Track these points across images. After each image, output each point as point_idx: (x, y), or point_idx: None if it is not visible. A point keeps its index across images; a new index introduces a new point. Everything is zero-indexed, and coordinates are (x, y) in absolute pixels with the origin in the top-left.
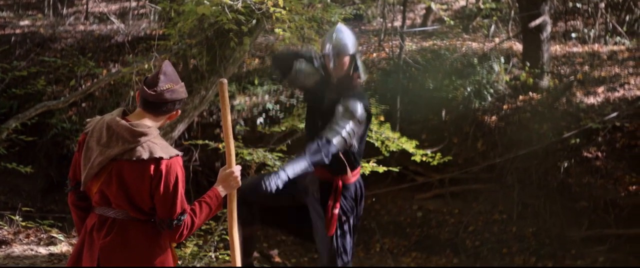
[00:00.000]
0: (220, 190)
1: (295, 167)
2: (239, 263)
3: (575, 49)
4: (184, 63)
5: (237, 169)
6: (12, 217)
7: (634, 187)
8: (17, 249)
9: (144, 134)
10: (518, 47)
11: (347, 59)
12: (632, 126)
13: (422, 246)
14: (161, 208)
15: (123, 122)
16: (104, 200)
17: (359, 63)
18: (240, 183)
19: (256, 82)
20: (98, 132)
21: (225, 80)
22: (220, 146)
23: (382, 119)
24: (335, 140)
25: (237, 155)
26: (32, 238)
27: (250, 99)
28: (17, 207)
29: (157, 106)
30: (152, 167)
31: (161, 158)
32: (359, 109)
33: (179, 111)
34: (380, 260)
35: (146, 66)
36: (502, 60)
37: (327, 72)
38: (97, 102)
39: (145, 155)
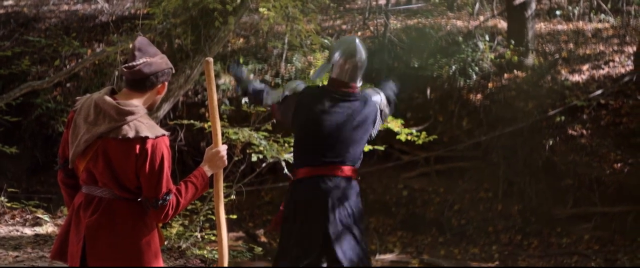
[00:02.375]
0: (207, 169)
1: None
2: (225, 245)
3: (559, 27)
4: (168, 42)
5: (223, 148)
6: None
7: (618, 165)
8: (2, 230)
9: (130, 113)
10: (503, 25)
11: (361, 72)
12: (617, 104)
13: (408, 225)
14: (147, 188)
15: (110, 100)
16: (90, 179)
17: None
18: (226, 162)
19: (241, 61)
20: (86, 110)
21: (211, 59)
22: (206, 126)
23: None
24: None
25: (222, 134)
26: (17, 219)
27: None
28: (2, 188)
29: (139, 83)
30: (138, 146)
31: (147, 137)
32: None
33: (165, 84)
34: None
35: (131, 46)
36: (487, 38)
37: (335, 82)
38: (82, 82)
39: (131, 134)
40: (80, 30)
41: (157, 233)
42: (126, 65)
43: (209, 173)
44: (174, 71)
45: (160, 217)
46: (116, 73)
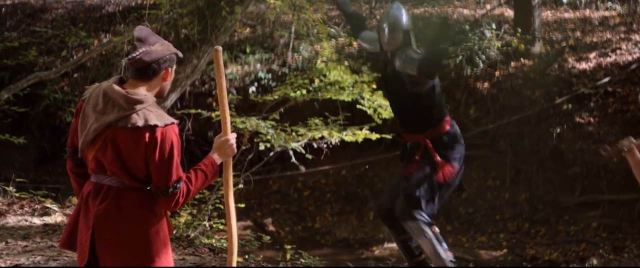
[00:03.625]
0: (216, 157)
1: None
2: (234, 233)
3: (566, 15)
4: (175, 32)
5: (232, 137)
6: (6, 188)
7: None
8: (11, 220)
9: (139, 102)
10: (509, 13)
11: (400, 35)
12: (624, 91)
13: None
14: (156, 176)
15: (119, 89)
16: (99, 168)
17: (412, 40)
18: (235, 150)
19: (248, 50)
20: (95, 99)
21: (219, 48)
22: (213, 115)
23: (374, 86)
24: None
25: (230, 123)
26: (26, 209)
27: (242, 68)
28: (11, 178)
29: (142, 72)
30: (147, 134)
31: (156, 125)
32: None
33: (169, 70)
34: (374, 227)
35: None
36: (494, 26)
37: (381, 47)
38: (89, 73)
39: (140, 123)
40: (87, 20)
41: (166, 223)
42: (128, 56)
43: (218, 162)
44: (180, 55)
45: (170, 204)
46: (123, 63)
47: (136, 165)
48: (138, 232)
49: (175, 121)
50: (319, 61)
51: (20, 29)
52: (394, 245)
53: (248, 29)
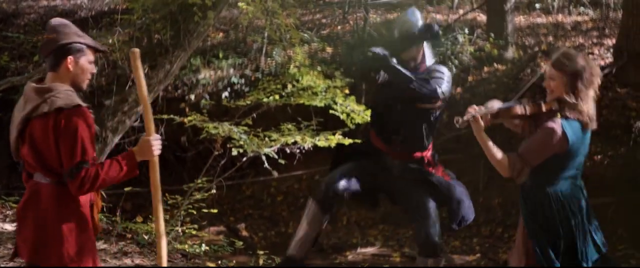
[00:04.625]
0: (136, 153)
1: (403, 70)
2: (163, 233)
3: (539, 20)
4: (148, 37)
5: (154, 138)
6: None
7: (598, 157)
8: None
9: (47, 90)
10: (482, 18)
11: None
12: (597, 96)
13: (390, 218)
14: (64, 158)
15: (32, 84)
16: (28, 166)
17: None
18: (155, 152)
19: (221, 55)
20: (19, 102)
21: (136, 50)
22: (186, 121)
23: (347, 91)
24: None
25: (202, 129)
26: None
27: (215, 73)
28: None
29: (48, 63)
30: (53, 118)
31: (61, 108)
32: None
33: (69, 58)
34: (348, 232)
35: (110, 41)
36: (467, 31)
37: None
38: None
39: (46, 108)
40: None
41: (86, 221)
42: None
43: (137, 158)
44: (99, 48)
45: (75, 187)
46: (96, 68)
47: (50, 154)
48: (51, 228)
49: (85, 105)
50: (291, 66)
51: None
52: (368, 250)
53: (221, 34)
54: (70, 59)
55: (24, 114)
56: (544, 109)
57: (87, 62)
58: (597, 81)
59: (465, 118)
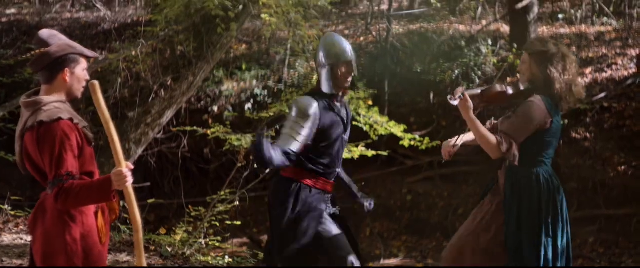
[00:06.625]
0: (112, 180)
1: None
2: (143, 257)
3: (562, 30)
4: (171, 49)
5: (124, 169)
6: (1, 206)
7: (622, 167)
8: (6, 238)
9: (36, 103)
10: (505, 29)
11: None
12: (620, 107)
13: (413, 229)
14: (47, 172)
15: (25, 98)
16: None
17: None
18: (127, 183)
19: (244, 67)
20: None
21: (96, 82)
22: (209, 132)
23: (370, 103)
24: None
25: (225, 141)
26: (21, 227)
27: (238, 85)
28: (6, 197)
29: (41, 76)
30: (37, 131)
31: (42, 121)
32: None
33: (67, 71)
34: (371, 244)
35: (133, 53)
36: (490, 42)
37: (340, 85)
38: (85, 90)
39: (31, 122)
40: (82, 38)
41: (91, 230)
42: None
43: (114, 186)
44: (89, 55)
45: (55, 198)
46: (119, 80)
47: (43, 166)
48: (55, 239)
49: (67, 117)
50: (314, 78)
51: (16, 46)
52: (391, 261)
53: (244, 46)
54: (66, 71)
55: (19, 128)
56: (521, 87)
57: (82, 71)
58: (573, 67)
59: (456, 96)
